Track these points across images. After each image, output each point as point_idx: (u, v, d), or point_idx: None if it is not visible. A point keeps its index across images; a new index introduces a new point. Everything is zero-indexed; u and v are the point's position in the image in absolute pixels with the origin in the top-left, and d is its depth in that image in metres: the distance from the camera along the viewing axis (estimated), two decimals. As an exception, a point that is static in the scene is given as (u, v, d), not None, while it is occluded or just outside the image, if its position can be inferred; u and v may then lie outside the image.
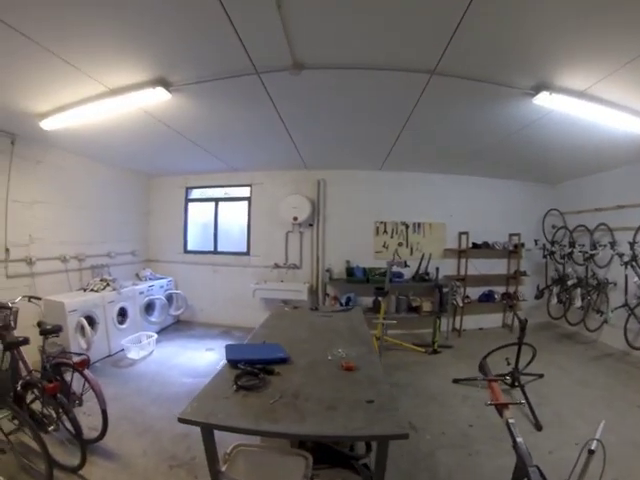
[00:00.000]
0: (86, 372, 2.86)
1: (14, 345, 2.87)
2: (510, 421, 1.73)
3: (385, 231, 6.35)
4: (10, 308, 3.31)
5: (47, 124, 3.72)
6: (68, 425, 2.63)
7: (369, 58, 2.53)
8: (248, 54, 2.46)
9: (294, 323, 3.40)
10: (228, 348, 2.37)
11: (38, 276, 4.68)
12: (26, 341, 2.85)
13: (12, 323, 3.23)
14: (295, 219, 6.07)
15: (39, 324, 3.16)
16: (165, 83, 2.90)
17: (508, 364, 3.71)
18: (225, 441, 1.80)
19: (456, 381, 4.14)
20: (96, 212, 5.76)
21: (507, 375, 3.73)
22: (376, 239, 6.35)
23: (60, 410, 2.62)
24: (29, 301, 3.56)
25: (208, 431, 1.67)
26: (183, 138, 4.48)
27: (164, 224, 7.12)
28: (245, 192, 6.68)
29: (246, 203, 6.67)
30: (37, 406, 2.73)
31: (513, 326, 6.25)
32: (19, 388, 2.66)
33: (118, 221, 6.29)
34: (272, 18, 2.02)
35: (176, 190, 7.02)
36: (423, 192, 6.37)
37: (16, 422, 2.61)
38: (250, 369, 2.04)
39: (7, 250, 4.29)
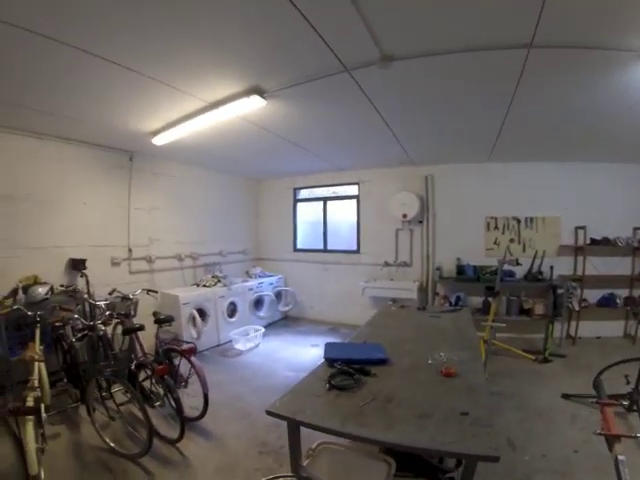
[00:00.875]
0: (192, 359, 3.17)
1: (132, 330, 3.33)
2: (620, 458, 1.48)
3: (496, 227, 5.92)
4: (131, 299, 3.89)
5: (158, 140, 4.27)
6: (172, 403, 2.95)
7: (457, 40, 2.33)
8: (334, 52, 2.44)
9: (399, 323, 3.35)
10: (328, 346, 2.39)
11: (156, 272, 5.39)
12: (142, 328, 3.29)
13: (132, 312, 3.78)
14: (404, 216, 5.95)
15: (154, 314, 3.62)
16: (259, 91, 3.05)
17: (627, 383, 3.13)
18: (313, 435, 1.80)
19: (566, 397, 3.64)
20: (208, 215, 6.36)
21: (625, 397, 3.13)
22: (487, 235, 5.95)
23: (166, 390, 2.94)
24: (147, 294, 4.11)
25: (294, 426, 1.70)
26: (285, 141, 4.65)
27: (274, 224, 7.54)
28: (353, 190, 6.74)
29: (355, 201, 6.72)
30: (147, 384, 3.14)
31: (637, 337, 5.36)
32: (133, 367, 3.06)
33: (229, 222, 6.85)
34: (349, 13, 1.98)
35: (284, 191, 7.38)
36: (534, 183, 5.76)
37: (128, 395, 2.99)
38: (346, 369, 2.03)
39: (130, 250, 5.02)
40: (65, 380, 3.53)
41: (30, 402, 2.33)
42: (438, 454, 1.57)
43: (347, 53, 2.48)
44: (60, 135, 4.26)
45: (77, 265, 4.37)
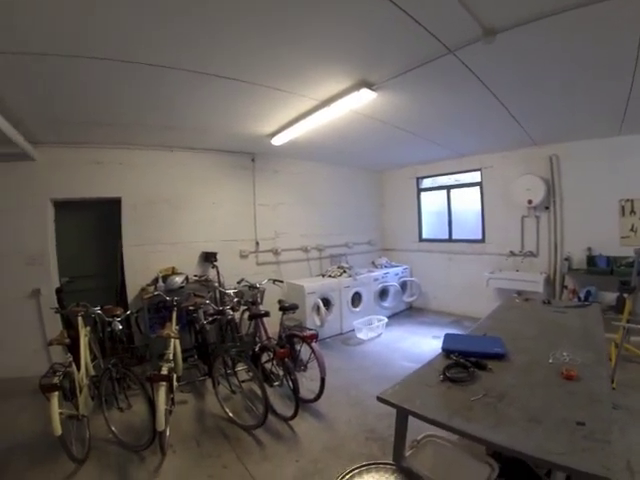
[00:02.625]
0: (313, 344, 3.36)
1: (257, 316, 3.70)
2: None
3: (632, 211, 4.92)
4: (258, 288, 4.27)
5: (276, 141, 4.62)
6: (290, 384, 3.16)
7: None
8: (434, 36, 2.35)
9: (521, 316, 3.17)
10: (447, 337, 2.37)
11: (282, 264, 5.85)
12: (267, 314, 3.63)
13: (259, 300, 4.16)
14: (529, 202, 5.41)
15: (279, 302, 3.93)
16: (367, 84, 3.07)
17: None
18: (422, 427, 1.78)
19: None
20: (333, 208, 6.66)
21: None
22: (622, 221, 5.00)
23: (286, 371, 3.16)
24: (274, 283, 4.47)
25: (402, 415, 1.72)
26: (402, 131, 4.60)
27: (398, 214, 7.53)
28: (475, 177, 6.37)
29: (478, 188, 6.35)
30: (268, 365, 3.45)
31: None
32: (257, 349, 3.36)
33: (354, 214, 7.06)
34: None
35: (407, 181, 7.30)
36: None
37: (249, 374, 3.35)
38: (462, 361, 1.99)
39: (257, 243, 5.56)
40: (195, 357, 4.12)
41: (164, 371, 2.80)
42: (543, 464, 1.40)
43: (448, 34, 2.36)
44: (188, 145, 4.96)
45: (209, 258, 5.01)
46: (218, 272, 4.96)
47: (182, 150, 5.00)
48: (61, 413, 2.52)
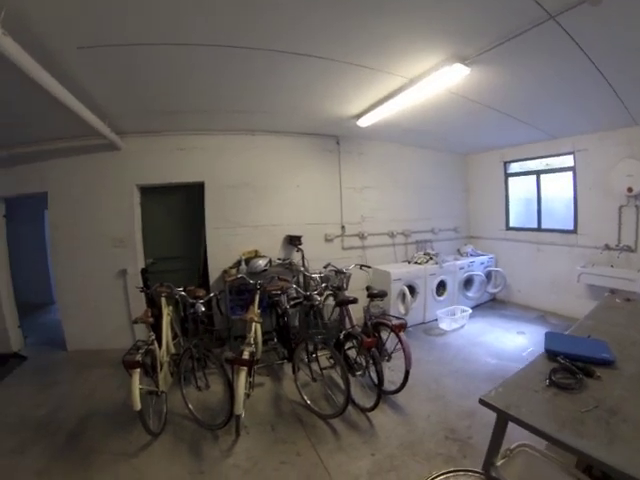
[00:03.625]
0: (401, 334, 3.21)
1: (344, 303, 3.57)
2: None
3: None
4: (344, 273, 4.19)
5: (362, 122, 4.45)
6: (373, 375, 3.10)
7: None
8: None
9: (625, 319, 2.73)
10: (548, 336, 2.14)
11: (368, 249, 5.74)
12: (355, 301, 3.45)
13: (345, 285, 4.09)
14: (629, 190, 4.66)
15: (367, 288, 3.83)
16: (460, 58, 2.82)
17: None
18: (512, 435, 1.62)
19: None
20: (419, 192, 6.37)
21: None
22: None
23: (370, 361, 3.08)
24: (361, 269, 4.37)
25: (503, 421, 1.57)
26: (492, 110, 4.24)
27: (483, 200, 7.02)
28: (568, 161, 5.65)
29: (570, 173, 5.62)
30: (352, 354, 3.35)
31: None
32: (341, 337, 3.28)
33: (440, 199, 6.71)
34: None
35: (494, 165, 6.73)
36: None
37: (331, 361, 3.33)
38: (569, 365, 1.78)
39: (343, 227, 5.50)
40: (275, 340, 4.14)
41: (246, 355, 2.82)
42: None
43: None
44: (270, 129, 4.99)
45: (293, 241, 5.02)
46: (303, 256, 4.96)
47: (264, 133, 5.05)
48: (141, 388, 2.64)
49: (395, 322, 3.27)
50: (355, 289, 4.17)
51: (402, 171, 6.14)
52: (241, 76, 3.13)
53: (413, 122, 4.69)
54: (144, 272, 4.62)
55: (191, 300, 3.25)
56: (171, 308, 3.70)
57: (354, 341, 3.24)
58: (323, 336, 3.15)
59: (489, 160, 6.73)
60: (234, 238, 4.89)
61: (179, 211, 5.14)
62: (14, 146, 4.36)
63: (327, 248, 5.39)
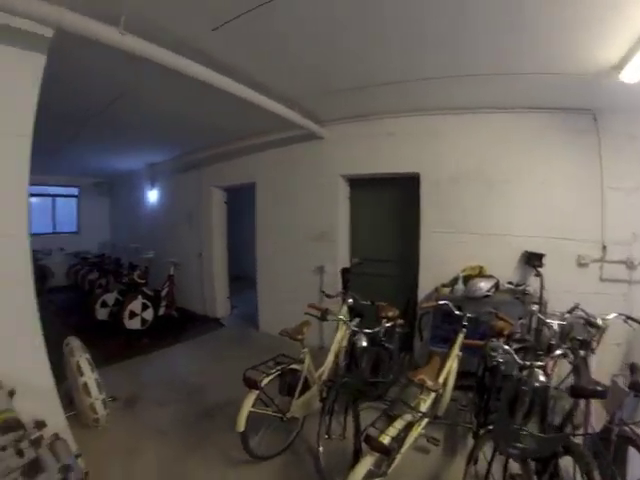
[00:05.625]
0: None
1: (586, 394, 1.89)
2: None
3: None
4: (598, 326, 2.56)
5: (628, 75, 2.56)
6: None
7: None
8: None
9: None
10: None
11: (637, 284, 3.52)
12: (603, 395, 1.75)
13: (594, 344, 2.53)
14: None
15: (632, 368, 2.12)
16: None
17: None
18: None
19: None
20: None
21: None
22: None
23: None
24: (626, 321, 2.66)
25: None
26: None
27: None
28: None
29: None
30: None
31: None
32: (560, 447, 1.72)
33: None
34: None
35: None
36: None
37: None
38: None
39: (604, 247, 3.57)
40: (472, 395, 2.96)
41: (385, 441, 1.87)
42: None
43: None
44: (499, 105, 3.71)
45: (532, 260, 3.62)
46: (542, 285, 3.45)
47: (493, 111, 3.80)
48: (252, 412, 2.41)
49: None
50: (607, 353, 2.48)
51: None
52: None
53: None
54: (345, 272, 4.20)
55: (353, 326, 2.69)
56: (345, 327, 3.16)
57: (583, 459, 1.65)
58: (543, 444, 1.73)
59: None
60: (455, 247, 3.92)
61: (392, 208, 4.53)
62: (222, 144, 5.25)
63: (578, 277, 3.59)
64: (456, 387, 2.86)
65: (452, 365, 2.69)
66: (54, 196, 9.21)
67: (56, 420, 2.22)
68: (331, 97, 3.68)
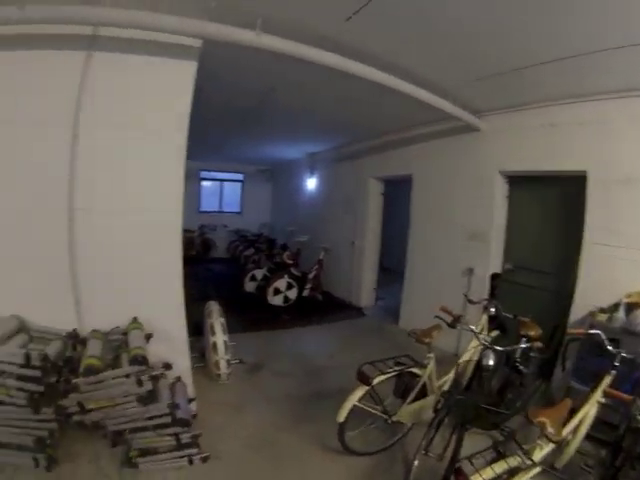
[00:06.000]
0: None
1: None
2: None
3: None
4: None
5: None
6: None
7: None
8: None
9: None
10: None
11: None
12: None
13: None
14: None
15: None
16: None
17: None
18: None
19: None
20: None
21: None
22: None
23: None
24: None
25: None
26: None
27: None
28: None
29: None
30: None
31: None
32: None
33: None
34: None
35: None
36: None
37: None
38: None
39: None
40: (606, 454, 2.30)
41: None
42: None
43: None
44: None
45: None
46: None
47: None
48: (355, 406, 2.42)
49: None
50: None
51: None
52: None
53: None
54: (495, 277, 3.88)
55: (483, 340, 2.39)
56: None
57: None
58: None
59: None
60: (623, 265, 3.11)
61: (552, 212, 3.89)
62: (380, 136, 5.44)
63: None
64: (588, 437, 2.28)
65: (588, 412, 2.16)
66: (222, 180, 10.91)
67: (182, 367, 2.67)
68: (486, 84, 3.32)
